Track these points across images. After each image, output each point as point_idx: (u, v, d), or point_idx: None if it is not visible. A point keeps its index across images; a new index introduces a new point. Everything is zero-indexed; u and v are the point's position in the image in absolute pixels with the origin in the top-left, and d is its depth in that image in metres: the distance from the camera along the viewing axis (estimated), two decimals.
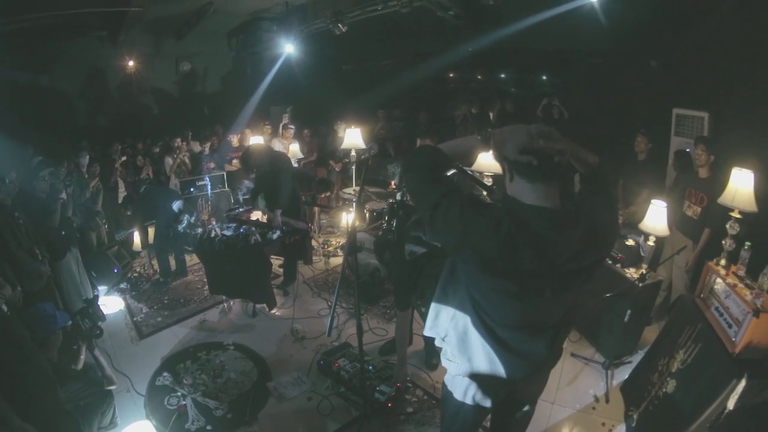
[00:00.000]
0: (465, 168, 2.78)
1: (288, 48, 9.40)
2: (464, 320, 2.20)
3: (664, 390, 3.40)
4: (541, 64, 10.25)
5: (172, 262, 6.72)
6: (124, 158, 7.82)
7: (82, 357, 3.35)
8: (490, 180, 4.92)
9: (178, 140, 8.39)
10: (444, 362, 2.37)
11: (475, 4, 6.76)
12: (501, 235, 1.82)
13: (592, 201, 1.99)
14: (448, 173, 2.18)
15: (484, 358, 2.16)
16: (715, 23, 5.70)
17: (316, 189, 7.93)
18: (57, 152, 6.95)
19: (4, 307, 3.37)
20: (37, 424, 2.11)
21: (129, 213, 7.04)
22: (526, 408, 2.49)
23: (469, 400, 2.31)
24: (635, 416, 3.66)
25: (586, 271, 2.00)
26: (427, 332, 2.42)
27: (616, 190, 6.24)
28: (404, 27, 9.47)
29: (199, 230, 5.62)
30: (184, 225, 5.97)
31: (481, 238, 1.85)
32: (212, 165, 8.22)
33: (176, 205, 6.30)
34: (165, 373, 4.54)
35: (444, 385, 2.45)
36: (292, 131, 8.66)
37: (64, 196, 5.18)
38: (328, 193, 8.48)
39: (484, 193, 2.66)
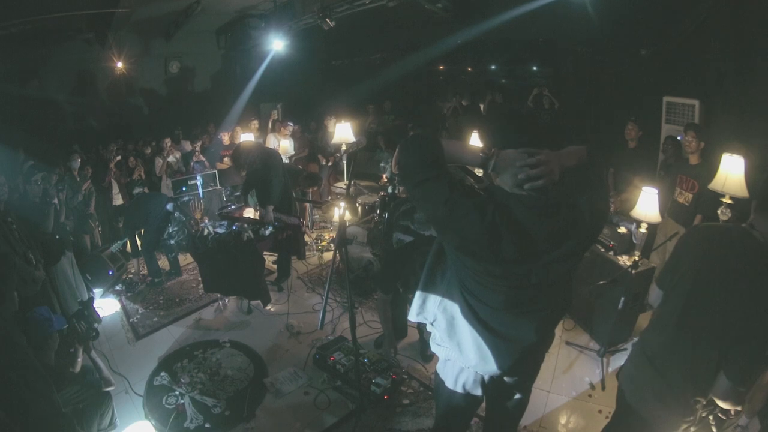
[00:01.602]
0: None
1: (277, 45, 9.38)
2: (451, 305, 2.24)
3: None
4: (531, 55, 10.26)
5: (165, 263, 6.72)
6: (119, 158, 7.79)
7: (79, 360, 3.36)
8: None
9: (167, 140, 8.39)
10: (434, 348, 2.40)
11: None
12: (486, 222, 1.85)
13: (578, 189, 2.01)
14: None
15: (473, 343, 2.18)
16: (705, 11, 5.72)
17: (303, 184, 7.93)
18: (48, 156, 6.94)
19: None
20: (33, 427, 2.12)
21: (121, 225, 7.03)
22: (518, 396, 2.51)
23: (459, 388, 2.35)
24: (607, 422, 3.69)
25: (570, 258, 2.03)
26: (413, 318, 2.45)
27: (606, 177, 6.31)
28: (392, 21, 9.47)
29: (185, 234, 5.62)
30: (174, 228, 5.99)
31: (465, 223, 1.88)
32: (197, 165, 8.20)
33: (169, 206, 6.30)
34: (162, 373, 4.56)
35: (436, 374, 2.49)
36: (291, 128, 8.67)
37: (56, 201, 5.17)
38: (315, 188, 8.51)
39: (472, 180, 2.67)
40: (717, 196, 4.11)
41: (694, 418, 2.24)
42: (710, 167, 4.41)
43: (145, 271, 6.71)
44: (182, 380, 4.43)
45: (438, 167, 1.95)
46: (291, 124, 8.78)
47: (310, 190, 8.25)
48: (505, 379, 2.34)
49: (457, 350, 2.25)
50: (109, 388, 3.44)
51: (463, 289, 2.14)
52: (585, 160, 2.04)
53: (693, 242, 2.35)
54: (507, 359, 2.19)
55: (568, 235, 1.94)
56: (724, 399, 2.12)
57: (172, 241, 6.52)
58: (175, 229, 6.48)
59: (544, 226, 1.89)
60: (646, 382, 2.34)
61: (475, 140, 5.41)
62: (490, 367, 2.20)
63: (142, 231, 6.59)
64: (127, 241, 6.89)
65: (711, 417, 2.28)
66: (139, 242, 6.67)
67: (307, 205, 8.08)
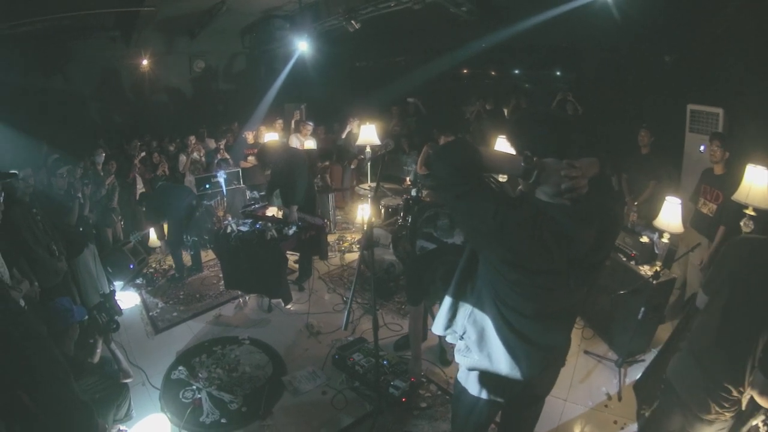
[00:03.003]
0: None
1: (301, 46, 9.41)
2: (482, 316, 2.20)
3: None
4: (555, 60, 10.19)
5: (187, 258, 6.77)
6: (143, 154, 7.88)
7: (99, 350, 3.40)
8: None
9: (192, 138, 8.46)
10: (458, 358, 2.36)
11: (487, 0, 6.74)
12: (535, 234, 1.84)
13: (599, 196, 2.01)
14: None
15: (504, 353, 2.16)
16: (729, 17, 5.64)
17: (320, 168, 7.99)
18: (73, 151, 7.04)
19: (22, 302, 3.43)
20: (52, 415, 2.15)
21: (144, 209, 7.11)
22: (537, 402, 2.50)
23: (484, 395, 2.31)
24: (647, 414, 3.63)
25: (601, 263, 2.07)
26: (440, 332, 2.40)
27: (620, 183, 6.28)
28: (417, 23, 9.45)
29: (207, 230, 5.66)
30: (201, 210, 6.05)
31: (515, 236, 1.86)
32: (221, 163, 8.25)
33: (193, 202, 6.37)
34: (180, 367, 4.59)
35: (457, 382, 2.45)
36: (310, 128, 8.71)
37: (80, 194, 5.24)
38: (327, 163, 8.64)
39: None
40: (741, 207, 4.03)
41: (737, 415, 2.44)
42: (735, 177, 4.33)
43: (165, 266, 6.78)
44: (200, 375, 4.46)
45: (479, 178, 1.91)
46: (311, 123, 8.80)
47: (325, 165, 8.31)
48: (530, 386, 2.32)
49: (488, 361, 2.22)
50: (127, 380, 3.47)
51: (497, 299, 2.11)
52: (598, 170, 2.04)
53: (736, 252, 2.54)
54: (537, 366, 2.19)
55: (604, 242, 1.97)
56: (761, 394, 2.28)
57: (194, 238, 6.58)
58: (199, 226, 6.56)
59: (586, 234, 1.90)
60: (695, 381, 2.49)
61: (499, 146, 5.38)
62: (520, 374, 2.18)
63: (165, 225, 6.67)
64: (147, 233, 6.98)
65: (761, 424, 2.44)
66: (165, 230, 6.74)
67: (330, 202, 8.09)
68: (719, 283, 2.52)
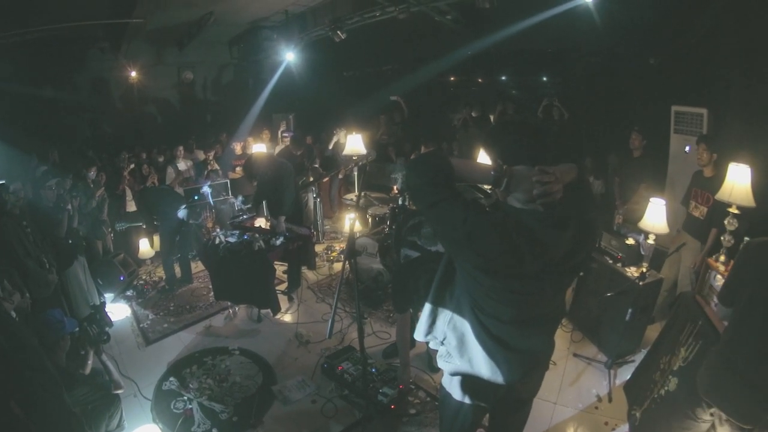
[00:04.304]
0: None
1: (289, 56, 9.49)
2: (461, 322, 2.24)
3: (666, 388, 3.38)
4: (541, 65, 10.27)
5: (177, 270, 6.78)
6: (132, 166, 7.87)
7: (90, 362, 3.41)
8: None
9: (180, 149, 8.46)
10: (440, 363, 2.39)
11: (472, 7, 6.80)
12: (505, 240, 1.87)
13: (576, 200, 2.03)
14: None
15: (484, 358, 2.19)
16: (712, 19, 5.71)
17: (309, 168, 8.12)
18: (63, 163, 7.03)
19: (13, 313, 3.43)
20: (43, 425, 2.16)
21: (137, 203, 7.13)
22: (523, 406, 2.51)
23: (468, 400, 2.34)
24: (638, 415, 3.66)
25: (578, 267, 2.10)
26: (420, 338, 2.44)
27: (611, 187, 6.32)
28: (403, 32, 9.52)
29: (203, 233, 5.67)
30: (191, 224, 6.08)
31: (485, 242, 1.89)
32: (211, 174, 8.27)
33: (182, 213, 6.36)
34: (171, 378, 4.59)
35: (442, 387, 2.48)
36: (309, 139, 8.76)
37: (69, 207, 5.24)
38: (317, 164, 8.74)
39: (481, 196, 2.67)
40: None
41: None
42: (724, 179, 4.37)
43: (155, 278, 6.78)
44: (191, 386, 4.46)
45: (450, 187, 1.95)
46: (289, 134, 8.84)
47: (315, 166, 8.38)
48: (514, 390, 2.34)
49: (468, 365, 2.25)
50: (119, 391, 3.49)
51: (474, 306, 2.15)
52: (576, 176, 2.06)
53: (750, 258, 2.51)
54: (518, 371, 2.21)
55: (580, 246, 1.99)
56: None
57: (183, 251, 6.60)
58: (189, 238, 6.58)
59: (560, 239, 1.91)
60: (739, 396, 2.46)
61: (484, 153, 5.41)
62: (502, 379, 2.21)
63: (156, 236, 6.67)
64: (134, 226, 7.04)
65: None
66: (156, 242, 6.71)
67: (318, 210, 8.13)
68: (740, 292, 2.49)
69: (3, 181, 4.11)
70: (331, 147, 9.29)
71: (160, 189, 6.82)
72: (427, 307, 2.40)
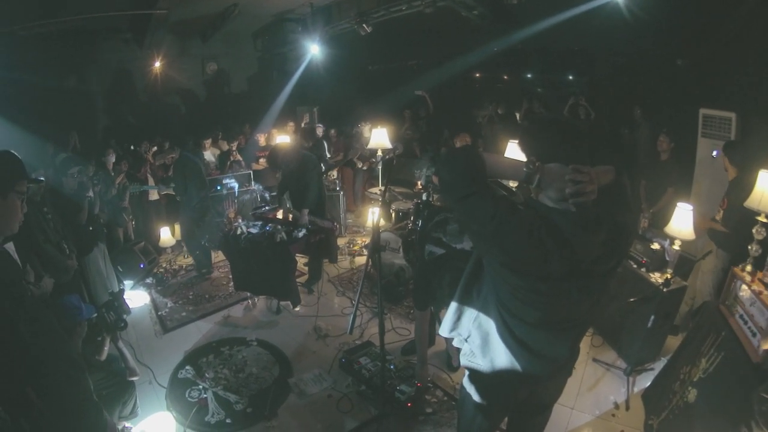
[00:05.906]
0: None
1: (313, 49, 9.46)
2: (487, 321, 2.21)
3: (685, 399, 3.28)
4: (567, 64, 10.16)
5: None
6: (155, 149, 7.91)
7: (106, 348, 3.41)
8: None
9: (207, 142, 8.45)
10: (463, 362, 2.36)
11: (499, 3, 6.72)
12: (533, 238, 1.82)
13: (611, 204, 1.98)
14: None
15: (507, 359, 2.15)
16: (741, 21, 5.59)
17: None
18: (84, 150, 7.08)
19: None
20: (58, 410, 2.16)
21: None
22: (543, 411, 2.49)
23: (487, 402, 2.30)
24: (655, 425, 3.57)
25: (608, 273, 2.01)
26: (446, 333, 2.42)
27: (638, 190, 6.20)
28: (429, 27, 9.46)
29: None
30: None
31: (512, 240, 1.86)
32: (234, 165, 8.29)
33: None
34: (187, 367, 4.61)
35: (462, 387, 2.44)
36: (320, 130, 8.72)
37: (91, 194, 5.27)
38: (340, 156, 8.81)
39: (506, 194, 2.62)
40: (745, 213, 3.93)
41: None
42: (742, 182, 4.26)
43: (176, 266, 6.81)
44: (207, 375, 4.47)
45: (480, 182, 1.92)
46: (320, 126, 8.84)
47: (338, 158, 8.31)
48: (536, 394, 2.30)
49: (490, 366, 2.21)
50: (134, 378, 3.48)
51: (500, 306, 2.11)
52: (613, 179, 2.01)
53: None
54: (539, 375, 2.18)
55: (612, 252, 1.93)
56: None
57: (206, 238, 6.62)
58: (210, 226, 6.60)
59: (589, 242, 1.86)
60: None
61: (511, 150, 5.35)
62: (521, 383, 2.18)
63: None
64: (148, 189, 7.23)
65: None
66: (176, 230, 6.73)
67: (341, 203, 8.10)
68: None
69: (42, 178, 4.16)
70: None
71: (195, 162, 6.75)
72: (453, 303, 2.38)
